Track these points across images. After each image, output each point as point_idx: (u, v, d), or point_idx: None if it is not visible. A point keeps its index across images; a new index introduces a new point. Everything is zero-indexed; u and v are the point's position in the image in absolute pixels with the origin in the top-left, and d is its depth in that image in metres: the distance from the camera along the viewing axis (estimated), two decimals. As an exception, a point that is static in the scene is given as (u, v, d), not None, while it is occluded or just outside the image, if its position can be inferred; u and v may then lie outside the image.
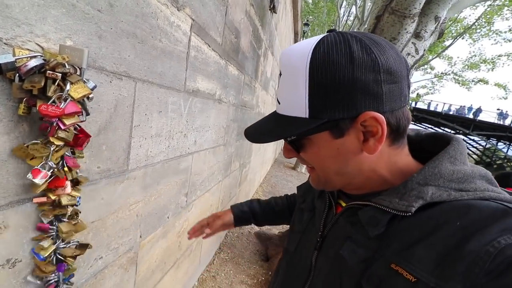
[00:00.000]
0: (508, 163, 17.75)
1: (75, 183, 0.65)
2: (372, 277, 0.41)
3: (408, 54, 1.94)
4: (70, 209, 0.64)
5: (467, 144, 21.08)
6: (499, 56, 9.11)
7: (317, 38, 0.41)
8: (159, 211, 1.29)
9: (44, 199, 0.59)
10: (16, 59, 0.49)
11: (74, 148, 0.62)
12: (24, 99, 0.53)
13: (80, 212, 0.68)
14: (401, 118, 0.42)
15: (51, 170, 0.56)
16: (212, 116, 1.76)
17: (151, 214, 1.22)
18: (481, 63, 9.29)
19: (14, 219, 0.60)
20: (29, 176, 0.53)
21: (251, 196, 4.68)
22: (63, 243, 0.65)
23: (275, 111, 0.48)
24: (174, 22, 1.11)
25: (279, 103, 0.46)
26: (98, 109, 0.78)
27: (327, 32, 0.43)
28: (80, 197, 0.66)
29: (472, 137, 19.33)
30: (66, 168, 0.60)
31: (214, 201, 2.24)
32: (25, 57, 0.51)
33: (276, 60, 4.31)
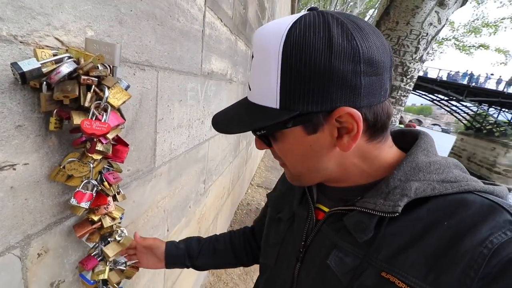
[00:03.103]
0: (498, 128, 18.12)
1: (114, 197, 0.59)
2: (362, 287, 0.38)
3: (431, 24, 1.81)
4: (114, 226, 0.58)
5: (459, 110, 21.25)
6: (502, 19, 8.74)
7: (294, 16, 0.36)
8: (183, 202, 1.24)
9: (87, 229, 0.53)
10: (41, 64, 0.40)
11: (114, 160, 0.54)
12: (55, 111, 0.44)
13: (124, 231, 0.62)
14: (380, 114, 0.37)
15: (95, 189, 0.49)
16: (224, 98, 1.66)
17: (176, 206, 1.17)
18: (483, 27, 8.94)
19: (53, 242, 0.54)
20: (73, 201, 0.46)
21: (255, 172, 4.70)
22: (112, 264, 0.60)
23: (246, 97, 0.43)
24: (190, -4, 0.96)
25: (250, 89, 0.41)
26: (124, 107, 0.68)
27: (307, 10, 0.38)
28: (123, 213, 0.60)
29: (464, 103, 19.43)
30: (106, 184, 0.53)
31: (226, 183, 2.22)
32: (50, 61, 0.41)
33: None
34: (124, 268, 0.67)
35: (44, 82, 0.41)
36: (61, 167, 0.48)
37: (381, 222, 0.38)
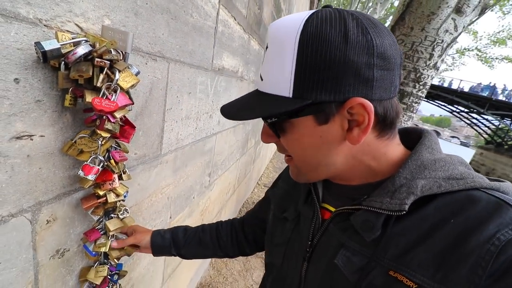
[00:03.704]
0: (520, 144, 17.37)
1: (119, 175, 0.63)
2: (370, 286, 0.38)
3: (446, 31, 1.78)
4: (118, 203, 0.63)
5: (480, 123, 20.50)
6: (530, 31, 8.41)
7: (310, 11, 0.37)
8: (187, 192, 1.29)
9: (93, 202, 0.57)
10: (61, 45, 0.44)
11: (120, 140, 0.58)
12: (70, 90, 0.49)
13: (128, 211, 0.67)
14: (389, 109, 0.38)
15: (101, 164, 0.53)
16: (234, 95, 1.70)
17: (180, 195, 1.22)
18: (509, 39, 8.59)
19: (62, 211, 0.59)
20: (80, 173, 0.51)
21: (263, 172, 4.72)
22: (114, 238, 0.65)
23: (257, 89, 0.43)
24: (205, -6, 1.01)
25: (261, 79, 0.41)
26: (135, 93, 0.73)
27: (322, 7, 0.38)
28: (127, 192, 0.64)
29: (485, 116, 18.75)
30: (113, 161, 0.57)
31: (232, 179, 2.25)
32: (69, 43, 0.46)
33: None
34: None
35: (63, 62, 0.45)
36: (73, 141, 0.53)
37: (388, 221, 0.38)
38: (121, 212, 0.67)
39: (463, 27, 1.81)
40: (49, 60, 0.45)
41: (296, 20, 0.36)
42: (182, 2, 0.86)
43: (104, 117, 0.50)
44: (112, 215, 0.65)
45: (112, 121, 0.51)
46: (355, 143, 0.38)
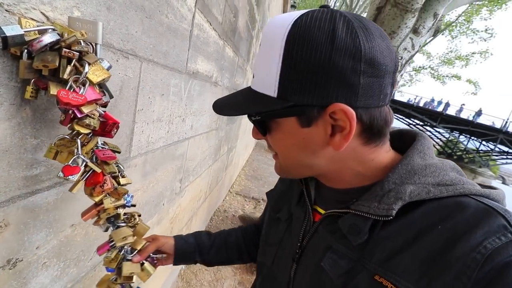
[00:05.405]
0: (467, 155, 19.43)
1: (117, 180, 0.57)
2: None
3: (405, 49, 1.96)
4: (122, 210, 0.57)
5: (432, 136, 22.58)
6: (473, 53, 9.68)
7: (304, 10, 0.37)
8: (156, 199, 1.23)
9: (92, 211, 0.52)
10: (25, 31, 0.41)
11: (104, 136, 0.55)
12: (32, 81, 0.45)
13: (140, 215, 0.62)
14: (377, 118, 0.38)
15: (84, 164, 0.49)
16: (208, 100, 1.68)
17: (149, 202, 1.16)
18: (456, 59, 9.80)
19: (15, 216, 0.53)
20: (60, 174, 0.45)
21: (235, 179, 4.68)
22: (129, 252, 0.58)
23: (249, 86, 0.44)
24: (181, -4, 1.00)
25: (253, 76, 0.43)
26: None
27: (319, 7, 0.38)
28: (131, 196, 0.59)
29: (437, 129, 20.72)
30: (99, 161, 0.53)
31: (204, 186, 2.21)
32: (34, 30, 0.43)
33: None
34: (145, 262, 0.61)
35: (26, 50, 0.42)
36: (53, 144, 0.48)
37: (375, 225, 0.38)
38: (130, 220, 0.60)
39: (419, 46, 2.00)
40: (10, 47, 0.41)
41: (286, 19, 0.36)
42: (158, 1, 0.84)
43: (70, 111, 0.46)
44: (121, 223, 0.58)
45: (79, 116, 0.47)
46: (337, 148, 0.38)
